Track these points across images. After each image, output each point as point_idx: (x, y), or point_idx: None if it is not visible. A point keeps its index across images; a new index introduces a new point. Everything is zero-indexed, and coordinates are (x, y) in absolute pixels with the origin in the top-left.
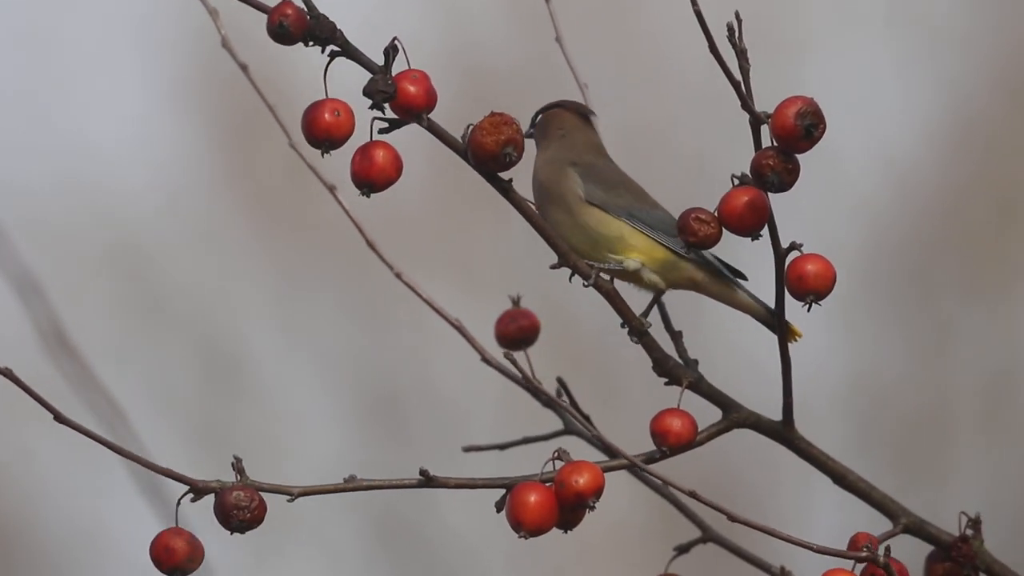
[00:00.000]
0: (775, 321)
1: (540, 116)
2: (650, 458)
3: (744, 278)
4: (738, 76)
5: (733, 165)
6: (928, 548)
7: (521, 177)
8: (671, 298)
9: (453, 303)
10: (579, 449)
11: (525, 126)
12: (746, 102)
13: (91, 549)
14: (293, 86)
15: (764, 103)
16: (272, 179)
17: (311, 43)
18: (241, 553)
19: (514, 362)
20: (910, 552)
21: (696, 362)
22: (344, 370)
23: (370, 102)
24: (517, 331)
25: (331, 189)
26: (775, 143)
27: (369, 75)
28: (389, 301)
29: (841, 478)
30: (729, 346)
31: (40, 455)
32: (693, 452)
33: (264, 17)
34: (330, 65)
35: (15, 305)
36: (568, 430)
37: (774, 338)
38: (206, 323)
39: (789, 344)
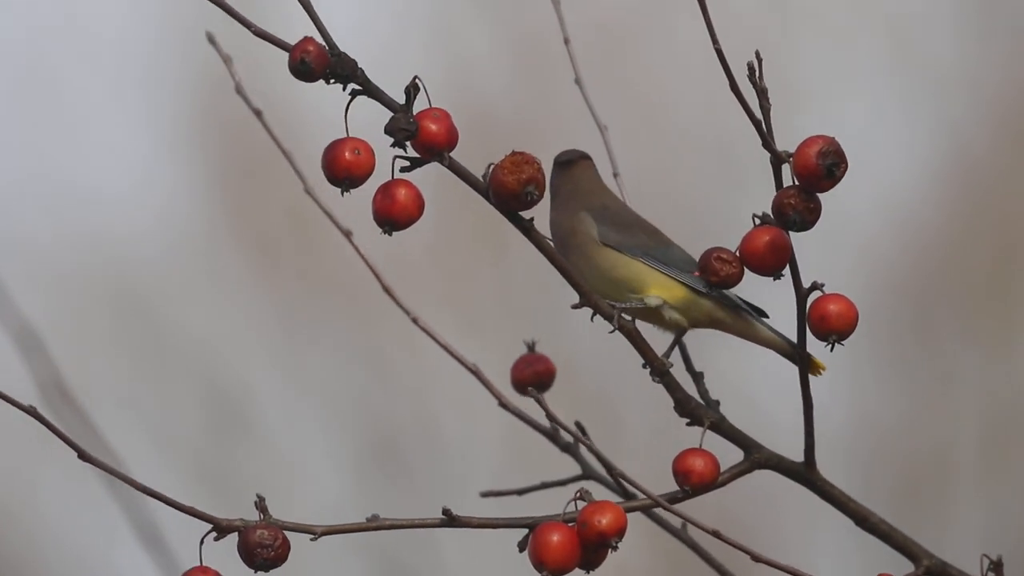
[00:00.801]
0: (798, 354)
1: (553, 168)
2: (673, 498)
3: (765, 316)
4: (759, 115)
5: (743, 207)
6: None
7: (541, 216)
8: (692, 339)
9: (458, 346)
10: (597, 493)
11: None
12: (767, 141)
13: None
14: (304, 132)
15: (754, 144)
16: (275, 224)
17: (332, 80)
18: None
19: (542, 403)
20: None
21: (717, 403)
22: (348, 415)
23: (391, 140)
24: (533, 376)
25: (347, 234)
26: (796, 182)
27: (390, 113)
28: (393, 345)
29: (863, 520)
30: (750, 387)
31: (45, 499)
32: (714, 492)
33: (281, 57)
34: (351, 104)
35: (16, 357)
36: (586, 474)
37: (795, 379)
38: (209, 368)
39: (811, 377)
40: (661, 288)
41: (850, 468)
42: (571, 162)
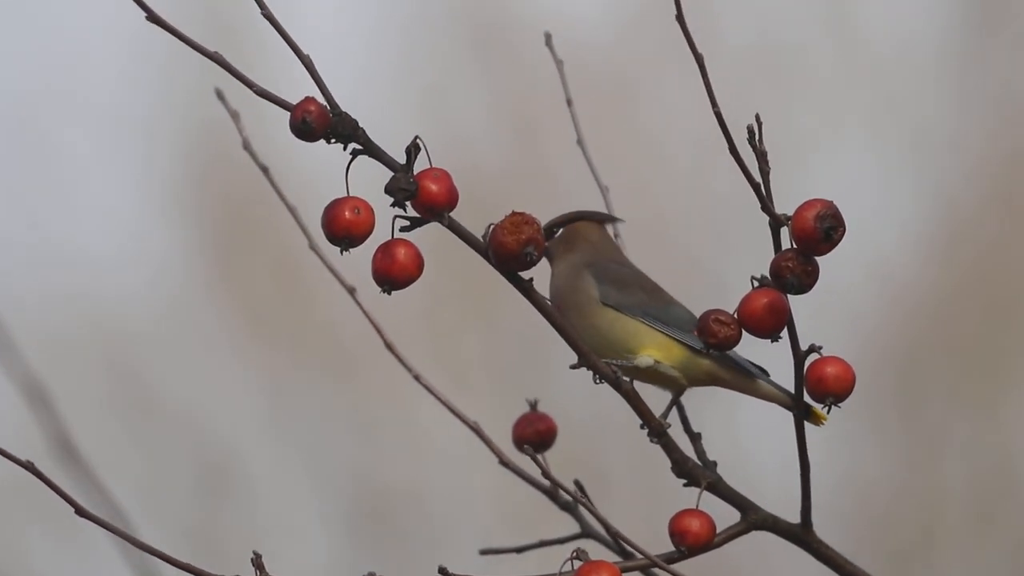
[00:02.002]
0: (798, 405)
1: (557, 230)
2: (669, 558)
3: (766, 373)
4: (758, 178)
5: (740, 267)
6: None
7: (540, 276)
8: (689, 400)
9: (441, 409)
10: (595, 552)
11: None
12: (766, 204)
13: None
14: (304, 190)
15: (750, 208)
16: (265, 288)
17: (333, 140)
18: None
19: (538, 462)
20: None
21: (714, 463)
22: (339, 477)
23: (391, 200)
24: (535, 435)
25: (351, 291)
26: (795, 245)
27: (391, 173)
28: (384, 407)
29: None
30: (747, 448)
31: (43, 557)
32: (708, 553)
33: (281, 116)
34: (352, 163)
35: (19, 411)
36: (585, 533)
37: (791, 441)
38: (199, 430)
39: (811, 432)
40: (658, 348)
41: (838, 531)
42: (571, 222)
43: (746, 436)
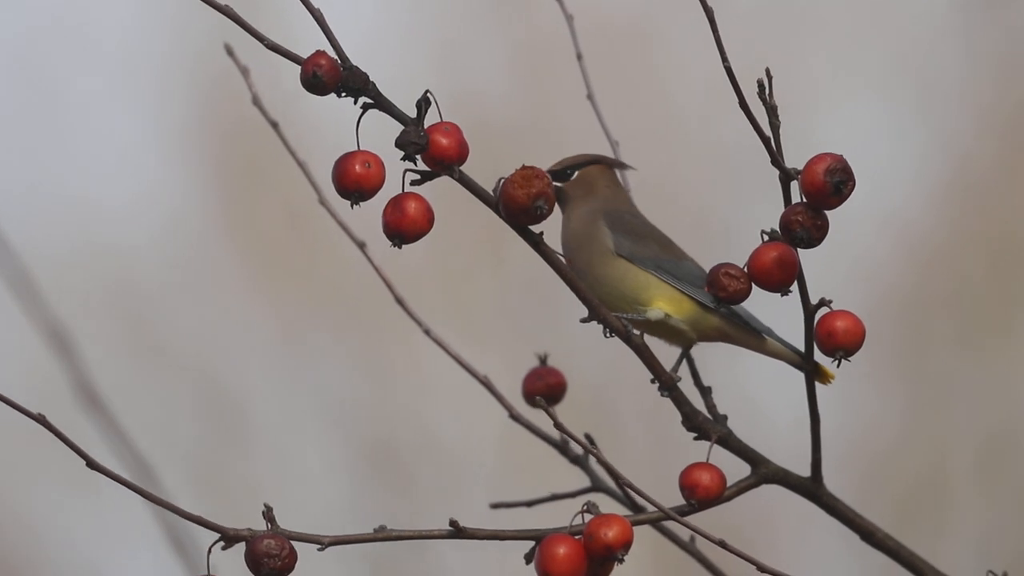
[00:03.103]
0: (808, 363)
1: (573, 172)
2: (680, 511)
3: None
4: (768, 132)
5: (751, 221)
6: None
7: (551, 230)
8: (700, 353)
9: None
10: (606, 506)
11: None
12: (776, 158)
13: None
14: (315, 144)
15: (762, 162)
16: (279, 235)
17: (344, 94)
18: None
19: (551, 414)
20: None
21: (725, 417)
22: (351, 425)
23: (402, 153)
24: (545, 388)
25: (361, 246)
26: (804, 199)
27: (401, 127)
28: (397, 356)
29: (869, 535)
30: (757, 401)
31: (67, 504)
32: (719, 507)
33: (294, 70)
34: (362, 117)
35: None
36: (595, 487)
37: (802, 394)
38: (212, 376)
39: (819, 385)
40: (668, 302)
41: (848, 482)
42: (568, 174)
43: (756, 390)
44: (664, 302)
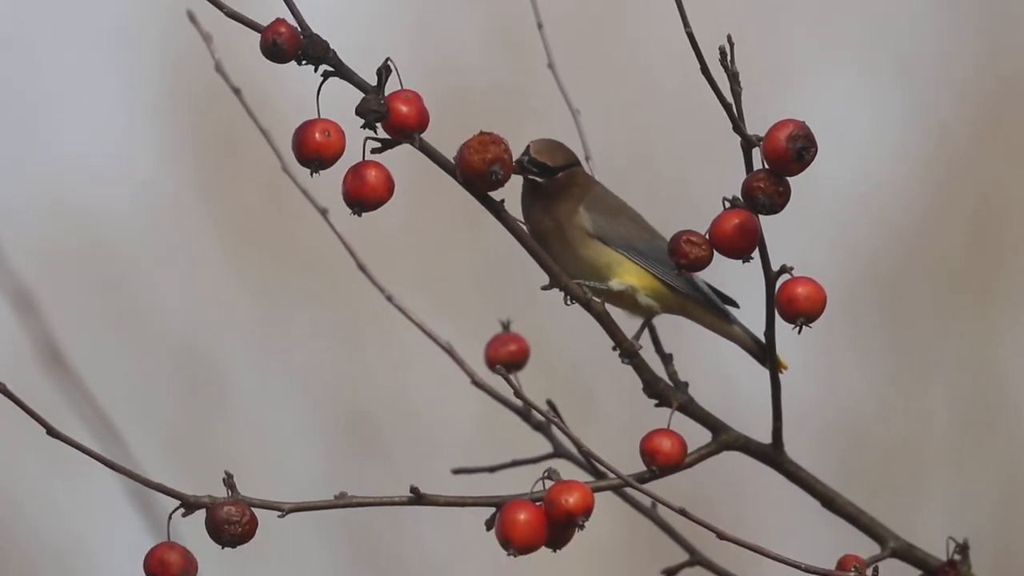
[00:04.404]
0: (763, 352)
1: (558, 173)
2: (640, 478)
3: (736, 305)
4: (730, 99)
5: (718, 189)
6: (916, 573)
7: (512, 197)
8: (662, 321)
9: (431, 325)
10: (568, 472)
11: (516, 148)
12: (738, 125)
13: (82, 562)
14: (282, 110)
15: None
16: (252, 200)
17: (304, 62)
18: (220, 569)
19: (510, 382)
20: None
21: (686, 384)
22: (322, 390)
23: (362, 121)
24: (507, 356)
25: (323, 212)
26: (766, 166)
27: (362, 95)
28: (368, 322)
29: (830, 502)
30: (719, 369)
31: (33, 469)
32: (682, 474)
33: (256, 38)
34: (323, 85)
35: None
36: (557, 453)
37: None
38: (184, 341)
39: (780, 373)
40: (634, 277)
41: (823, 451)
42: (554, 171)
43: (720, 357)
44: (631, 276)
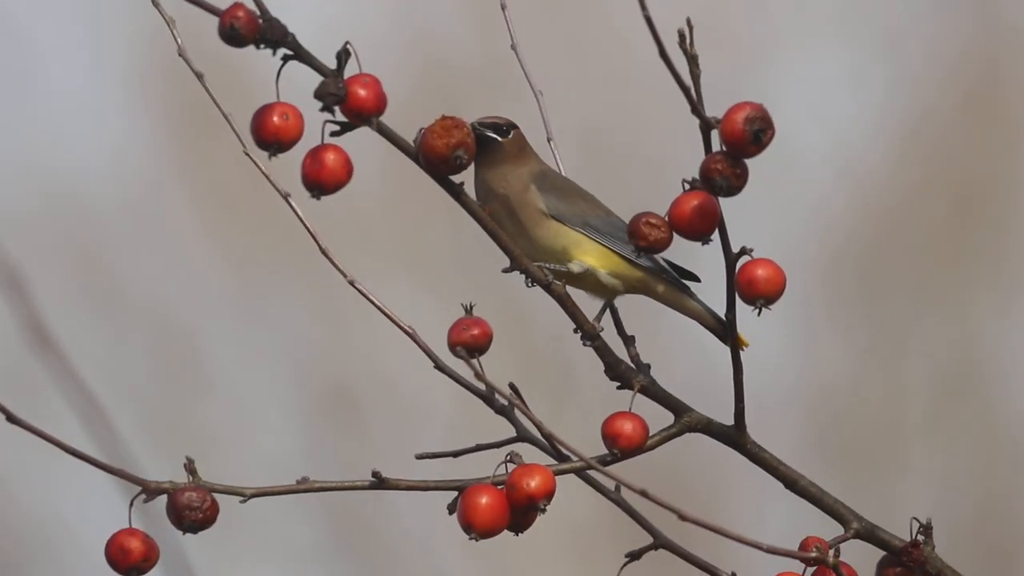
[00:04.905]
0: (725, 330)
1: (510, 131)
2: (603, 460)
3: (697, 279)
4: (688, 82)
5: (689, 169)
6: (879, 554)
7: (471, 181)
8: (624, 303)
9: (408, 304)
10: (532, 456)
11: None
12: (696, 107)
13: (53, 540)
14: (250, 92)
15: (720, 106)
16: (230, 177)
17: (262, 46)
18: (194, 551)
19: (472, 366)
20: (861, 558)
21: (648, 366)
22: (297, 367)
23: (321, 105)
24: (470, 339)
25: (285, 196)
26: (724, 148)
27: (321, 78)
28: (343, 300)
29: (792, 483)
30: (681, 351)
31: (20, 449)
32: (644, 456)
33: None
34: (283, 69)
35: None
36: (521, 437)
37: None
38: (162, 317)
39: (740, 350)
40: (595, 257)
41: (801, 426)
42: (506, 131)
43: (682, 339)
44: (591, 257)
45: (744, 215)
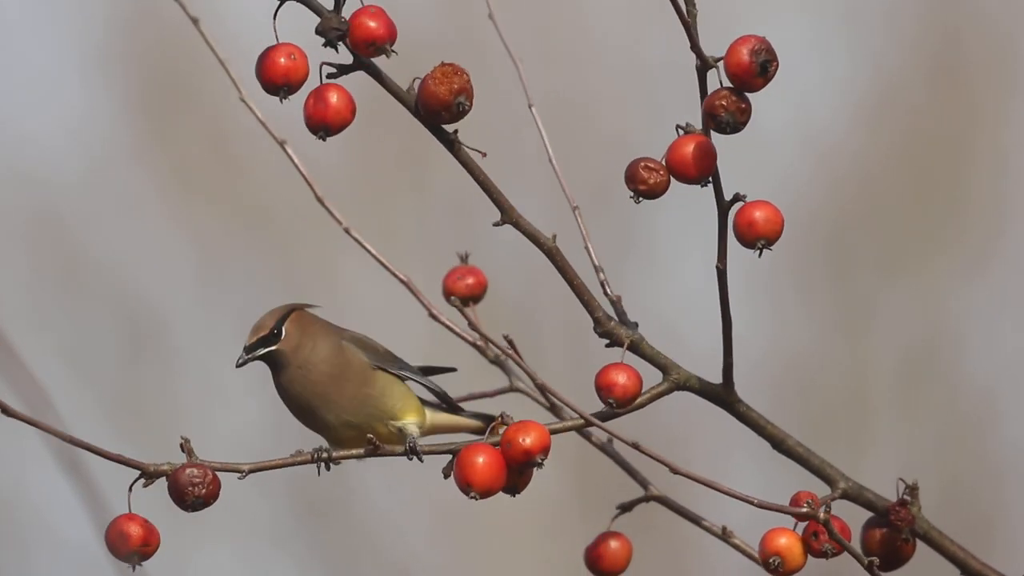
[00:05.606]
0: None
1: (279, 330)
2: (599, 416)
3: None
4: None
5: (659, 142)
6: (864, 515)
7: (465, 130)
8: (610, 264)
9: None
10: (524, 406)
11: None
12: (696, 45)
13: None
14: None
15: (685, 75)
16: (192, 151)
17: None
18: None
19: (466, 315)
20: (847, 519)
21: (636, 324)
22: None
23: (323, 41)
24: (465, 289)
25: (281, 144)
26: (728, 83)
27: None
28: (308, 272)
29: (779, 443)
30: (667, 311)
31: None
32: (632, 415)
33: None
34: (278, 13)
35: None
36: (513, 387)
37: (713, 300)
38: (127, 293)
39: (731, 305)
40: (416, 412)
41: (769, 397)
42: (276, 334)
43: (672, 297)
44: (413, 412)
45: (708, 188)
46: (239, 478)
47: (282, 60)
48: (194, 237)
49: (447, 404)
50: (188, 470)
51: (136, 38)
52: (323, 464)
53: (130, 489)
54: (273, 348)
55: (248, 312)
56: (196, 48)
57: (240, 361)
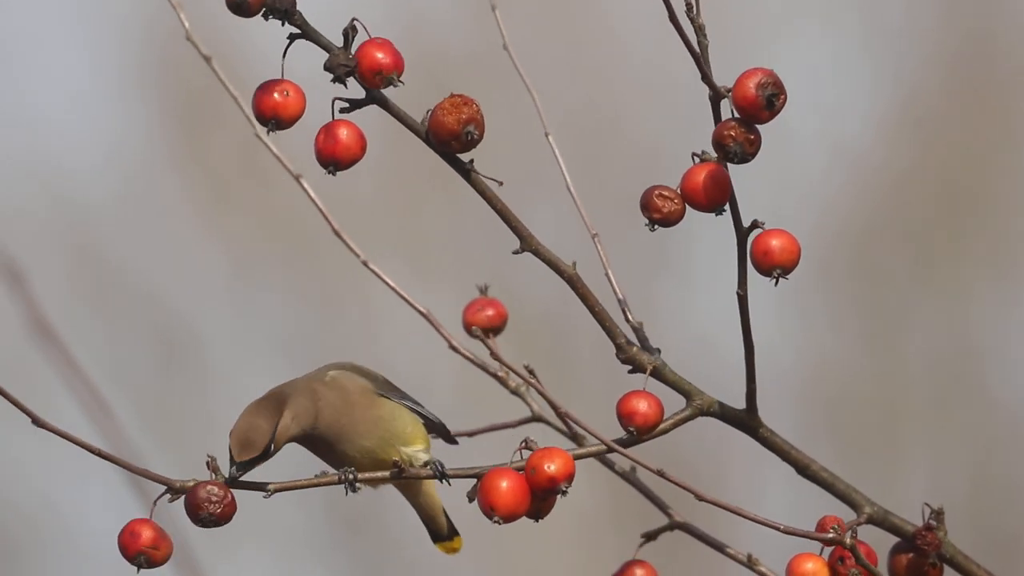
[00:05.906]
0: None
1: (271, 445)
2: (621, 442)
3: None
4: (697, 51)
5: (685, 153)
6: (891, 540)
7: (481, 159)
8: (631, 288)
9: (407, 290)
10: (547, 435)
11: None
12: (706, 75)
13: (69, 536)
14: (255, 77)
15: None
16: (227, 165)
17: (269, 17)
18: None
19: (488, 346)
20: (872, 544)
21: (659, 351)
22: (298, 355)
23: (335, 87)
24: (485, 320)
25: (297, 177)
26: (736, 114)
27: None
28: (344, 287)
29: (804, 468)
30: (689, 335)
31: (20, 440)
32: (656, 441)
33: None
34: (289, 48)
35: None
36: (535, 417)
37: (736, 325)
38: (160, 306)
39: (759, 319)
40: (423, 439)
41: (797, 411)
42: (266, 453)
43: (696, 322)
44: (421, 439)
45: (738, 198)
46: (264, 496)
47: (275, 95)
48: (228, 251)
49: (445, 435)
50: (208, 487)
51: (171, 56)
52: (348, 486)
53: (155, 503)
54: (261, 459)
55: (280, 326)
56: (229, 67)
57: (233, 476)
